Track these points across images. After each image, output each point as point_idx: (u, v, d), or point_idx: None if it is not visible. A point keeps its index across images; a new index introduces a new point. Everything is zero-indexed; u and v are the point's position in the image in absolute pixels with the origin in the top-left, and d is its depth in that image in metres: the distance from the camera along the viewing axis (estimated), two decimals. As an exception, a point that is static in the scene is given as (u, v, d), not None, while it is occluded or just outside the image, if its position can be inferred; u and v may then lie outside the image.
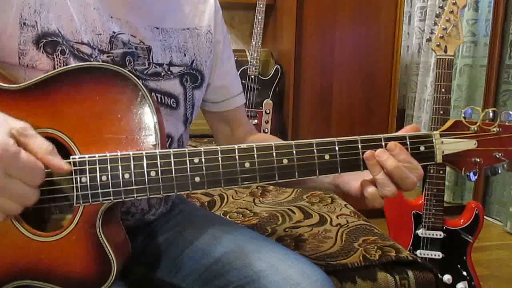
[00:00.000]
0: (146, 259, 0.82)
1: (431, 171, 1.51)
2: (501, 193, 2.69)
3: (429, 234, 1.55)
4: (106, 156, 0.58)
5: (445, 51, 1.47)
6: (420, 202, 1.56)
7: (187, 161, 0.59)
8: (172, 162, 0.59)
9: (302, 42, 2.33)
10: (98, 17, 0.70)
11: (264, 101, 2.34)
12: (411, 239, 1.57)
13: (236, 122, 0.95)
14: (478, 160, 0.64)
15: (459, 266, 1.54)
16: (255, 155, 0.61)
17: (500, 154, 0.64)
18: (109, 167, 0.58)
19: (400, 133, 0.65)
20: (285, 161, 0.61)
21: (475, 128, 0.64)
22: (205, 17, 0.86)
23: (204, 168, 0.60)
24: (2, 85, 0.60)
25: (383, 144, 0.63)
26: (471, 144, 0.64)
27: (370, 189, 0.64)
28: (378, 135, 0.64)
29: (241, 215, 1.26)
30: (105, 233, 0.60)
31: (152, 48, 0.77)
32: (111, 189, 0.58)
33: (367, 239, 1.09)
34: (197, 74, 0.84)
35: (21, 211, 0.54)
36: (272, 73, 2.38)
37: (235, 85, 0.94)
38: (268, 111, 2.34)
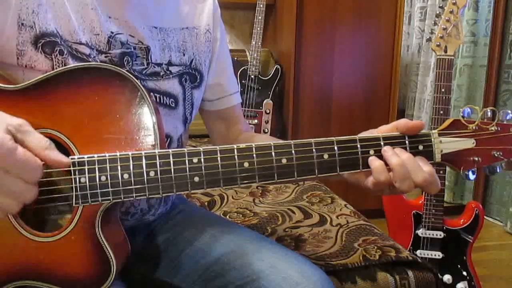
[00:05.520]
0: (146, 259, 0.82)
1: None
2: (501, 193, 2.69)
3: (429, 234, 1.54)
4: (105, 156, 0.58)
5: (445, 51, 1.47)
6: (420, 202, 1.56)
7: (186, 161, 0.59)
8: (171, 162, 0.59)
9: (302, 42, 2.33)
10: (96, 17, 0.70)
11: (264, 101, 2.34)
12: (411, 239, 1.57)
13: (231, 121, 0.94)
14: (477, 159, 0.64)
15: (459, 266, 1.54)
16: (254, 155, 0.61)
17: (498, 153, 0.64)
18: (108, 167, 0.58)
19: (392, 126, 0.65)
20: (284, 161, 0.61)
21: (474, 127, 0.64)
22: (204, 16, 0.86)
23: (203, 168, 0.60)
24: (1, 86, 0.60)
25: (382, 143, 0.63)
26: (469, 143, 0.64)
27: (377, 162, 0.62)
28: (376, 135, 0.64)
29: (241, 215, 1.26)
30: (104, 233, 0.60)
31: (151, 48, 0.76)
32: (110, 189, 0.58)
33: (367, 239, 1.09)
34: (196, 74, 0.84)
35: (19, 209, 0.53)
36: (272, 73, 2.38)
37: (230, 84, 0.93)
38: (268, 111, 2.34)
